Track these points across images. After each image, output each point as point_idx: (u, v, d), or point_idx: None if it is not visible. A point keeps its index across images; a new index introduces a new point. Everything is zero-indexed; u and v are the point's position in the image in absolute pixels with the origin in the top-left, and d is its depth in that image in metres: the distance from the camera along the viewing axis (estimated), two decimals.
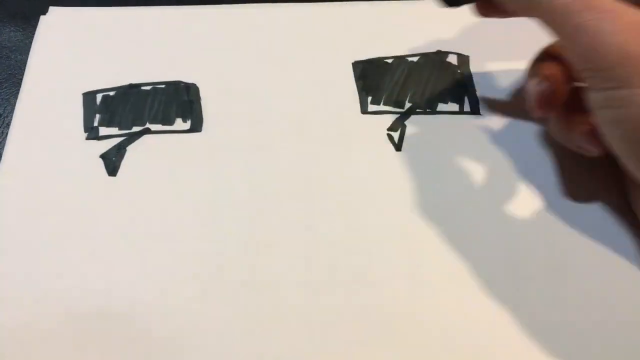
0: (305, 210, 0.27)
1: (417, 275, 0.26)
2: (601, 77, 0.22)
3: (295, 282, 0.26)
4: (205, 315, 0.25)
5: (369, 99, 0.31)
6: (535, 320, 0.25)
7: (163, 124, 0.30)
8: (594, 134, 0.24)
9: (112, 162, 0.29)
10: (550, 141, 0.29)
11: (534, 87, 0.26)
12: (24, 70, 0.31)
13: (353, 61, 0.32)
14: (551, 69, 0.25)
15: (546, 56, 0.26)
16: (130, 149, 0.29)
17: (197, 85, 0.31)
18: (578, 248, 0.26)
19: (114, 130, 0.30)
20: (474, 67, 0.32)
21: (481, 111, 0.31)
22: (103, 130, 0.30)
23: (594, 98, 0.23)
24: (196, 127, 0.30)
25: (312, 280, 0.26)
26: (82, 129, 0.30)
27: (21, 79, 0.31)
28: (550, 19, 0.23)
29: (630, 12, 0.21)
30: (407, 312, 0.25)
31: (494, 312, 0.25)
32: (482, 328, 0.25)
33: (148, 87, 0.31)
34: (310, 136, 0.30)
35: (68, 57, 0.32)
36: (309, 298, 0.25)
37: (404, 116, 0.30)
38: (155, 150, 0.29)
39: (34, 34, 0.33)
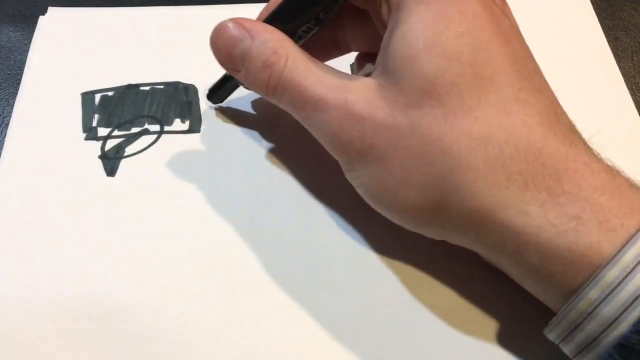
0: (304, 211, 0.28)
1: (417, 275, 0.26)
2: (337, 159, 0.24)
3: (294, 282, 0.26)
4: (204, 315, 0.25)
5: None
6: (533, 319, 0.25)
7: (162, 125, 0.30)
8: None
9: (110, 162, 0.29)
10: None
11: None
12: (23, 70, 0.32)
13: (352, 63, 0.32)
14: None
15: None
16: (129, 149, 0.29)
17: (196, 86, 0.31)
18: None
19: (113, 131, 0.30)
20: None
21: None
22: (102, 131, 0.30)
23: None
24: (195, 127, 0.30)
25: (311, 280, 0.26)
26: (80, 129, 0.30)
27: (20, 79, 0.31)
28: (289, 112, 0.24)
29: (336, 95, 0.22)
30: (406, 312, 0.25)
31: (493, 312, 0.25)
32: (481, 328, 0.25)
33: (147, 88, 0.31)
34: (310, 137, 0.30)
35: (67, 57, 0.32)
36: (308, 298, 0.25)
37: None
38: (154, 151, 0.29)
39: (33, 34, 0.33)
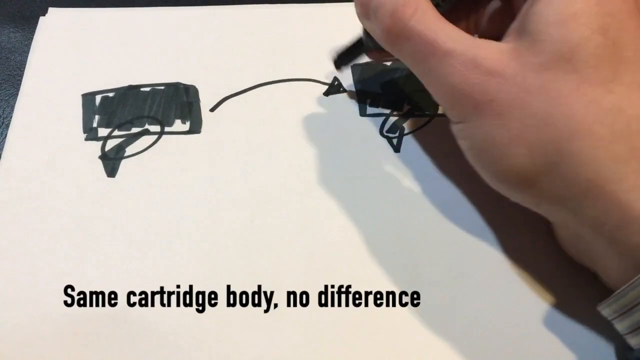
0: (304, 212, 0.28)
1: (416, 275, 0.26)
2: (446, 111, 0.25)
3: (294, 283, 0.26)
4: (205, 316, 0.25)
5: (368, 101, 0.31)
6: (534, 320, 0.25)
7: (162, 125, 0.30)
8: None
9: (111, 163, 0.29)
10: None
11: None
12: (24, 71, 0.32)
13: (352, 63, 0.32)
14: None
15: None
16: (129, 149, 0.29)
17: (197, 86, 0.31)
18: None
19: (113, 132, 0.30)
20: None
21: None
22: (102, 131, 0.30)
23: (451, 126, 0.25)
24: (195, 128, 0.30)
25: (311, 281, 0.26)
26: (81, 129, 0.30)
27: (20, 80, 0.31)
28: (408, 65, 0.25)
29: (465, 50, 0.23)
30: (405, 312, 0.25)
31: (495, 312, 0.25)
32: (483, 329, 0.25)
33: (147, 89, 0.31)
34: (309, 138, 0.30)
35: (67, 58, 0.32)
36: (307, 299, 0.25)
37: (403, 118, 0.31)
38: (154, 152, 0.29)
39: (33, 34, 0.33)
